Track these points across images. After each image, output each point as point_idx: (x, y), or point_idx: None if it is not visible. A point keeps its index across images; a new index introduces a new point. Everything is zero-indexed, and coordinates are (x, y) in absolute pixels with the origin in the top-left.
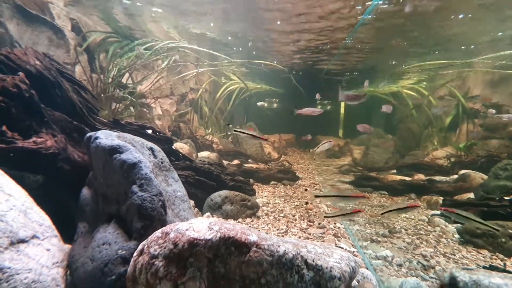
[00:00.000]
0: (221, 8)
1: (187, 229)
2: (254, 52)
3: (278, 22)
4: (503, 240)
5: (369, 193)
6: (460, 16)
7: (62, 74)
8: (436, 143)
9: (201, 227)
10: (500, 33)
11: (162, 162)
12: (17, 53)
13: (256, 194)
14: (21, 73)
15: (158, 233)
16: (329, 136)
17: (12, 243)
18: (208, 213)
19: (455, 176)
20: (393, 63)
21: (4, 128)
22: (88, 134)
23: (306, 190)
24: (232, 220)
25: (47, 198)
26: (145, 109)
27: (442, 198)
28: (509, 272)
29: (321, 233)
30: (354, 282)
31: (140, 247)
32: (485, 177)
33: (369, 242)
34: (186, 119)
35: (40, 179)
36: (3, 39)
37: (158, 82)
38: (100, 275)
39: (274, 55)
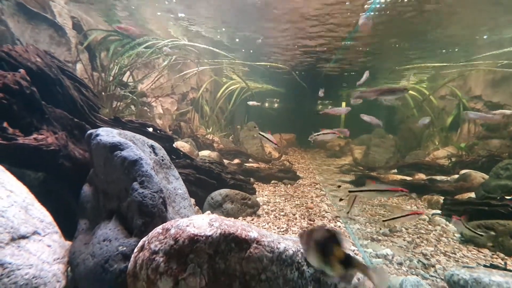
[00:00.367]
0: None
1: (187, 225)
2: (251, 50)
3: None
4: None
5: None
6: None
7: (63, 72)
8: (437, 143)
9: (202, 223)
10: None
11: (162, 160)
12: (18, 50)
13: (257, 193)
14: (22, 70)
15: (158, 229)
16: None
17: (13, 239)
18: (208, 212)
19: (456, 176)
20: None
21: (5, 124)
22: (89, 131)
23: (339, 187)
24: (233, 218)
25: (48, 196)
26: (146, 108)
27: (442, 197)
28: (509, 270)
29: None
30: (355, 280)
31: (140, 243)
32: (486, 176)
33: (369, 240)
34: (187, 118)
35: (41, 176)
36: (4, 37)
37: (159, 80)
38: (100, 271)
39: (277, 55)
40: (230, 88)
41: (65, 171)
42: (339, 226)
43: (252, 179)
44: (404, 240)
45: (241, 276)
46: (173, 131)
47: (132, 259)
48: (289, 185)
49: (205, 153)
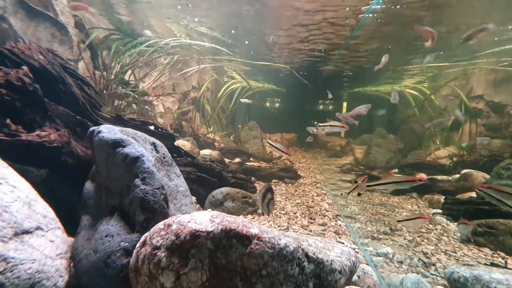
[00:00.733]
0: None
1: (189, 221)
2: (252, 52)
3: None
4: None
5: (371, 192)
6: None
7: (66, 70)
8: (438, 143)
9: (203, 219)
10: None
11: (164, 157)
12: (21, 47)
13: (258, 191)
14: (25, 67)
15: (160, 224)
16: (330, 136)
17: (16, 234)
18: (209, 210)
19: (457, 176)
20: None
21: (8, 121)
22: (91, 128)
23: (355, 182)
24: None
25: (51, 192)
26: (147, 107)
27: (443, 197)
28: (510, 269)
29: (322, 230)
30: (355, 277)
31: (142, 238)
32: (487, 176)
33: (370, 239)
34: (188, 117)
35: (43, 173)
36: (7, 34)
37: (160, 79)
38: (103, 266)
39: (278, 56)
40: (231, 88)
41: (68, 168)
42: (340, 225)
43: (253, 178)
44: (404, 239)
45: (242, 272)
46: (174, 130)
47: (134, 254)
48: (290, 184)
49: (206, 152)
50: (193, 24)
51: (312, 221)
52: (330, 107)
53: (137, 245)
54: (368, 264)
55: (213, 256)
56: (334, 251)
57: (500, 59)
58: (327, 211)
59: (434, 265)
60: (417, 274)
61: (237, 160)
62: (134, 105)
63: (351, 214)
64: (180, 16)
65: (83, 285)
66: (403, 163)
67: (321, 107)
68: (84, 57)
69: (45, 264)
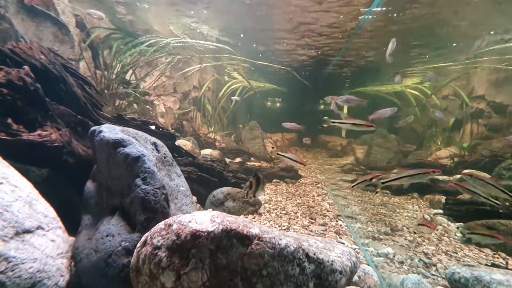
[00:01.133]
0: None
1: (189, 221)
2: (258, 53)
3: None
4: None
5: (371, 192)
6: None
7: (67, 69)
8: (439, 143)
9: (204, 219)
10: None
11: (165, 157)
12: (23, 47)
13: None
14: (26, 67)
15: (161, 224)
16: (331, 136)
17: (17, 233)
18: (210, 209)
19: (458, 176)
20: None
21: (9, 120)
22: (92, 128)
23: (371, 180)
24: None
25: (52, 192)
26: (148, 106)
27: (444, 197)
28: (511, 270)
29: (322, 230)
30: (356, 278)
31: (143, 238)
32: (489, 177)
33: (370, 239)
34: (189, 117)
35: (44, 173)
36: (8, 34)
37: (161, 79)
38: (103, 265)
39: (279, 56)
40: (232, 87)
41: (69, 167)
42: (340, 225)
43: None
44: (405, 239)
45: (242, 272)
46: (175, 130)
47: (134, 253)
48: (290, 184)
49: (207, 151)
50: (194, 24)
51: (313, 221)
52: (331, 107)
53: (138, 245)
54: (368, 265)
55: (214, 256)
56: (335, 252)
57: (503, 57)
58: (328, 211)
59: (435, 265)
60: (418, 274)
61: (238, 160)
62: (135, 105)
63: (352, 214)
64: (181, 16)
65: (84, 284)
66: (404, 163)
67: (322, 107)
68: (85, 56)
69: (46, 263)
